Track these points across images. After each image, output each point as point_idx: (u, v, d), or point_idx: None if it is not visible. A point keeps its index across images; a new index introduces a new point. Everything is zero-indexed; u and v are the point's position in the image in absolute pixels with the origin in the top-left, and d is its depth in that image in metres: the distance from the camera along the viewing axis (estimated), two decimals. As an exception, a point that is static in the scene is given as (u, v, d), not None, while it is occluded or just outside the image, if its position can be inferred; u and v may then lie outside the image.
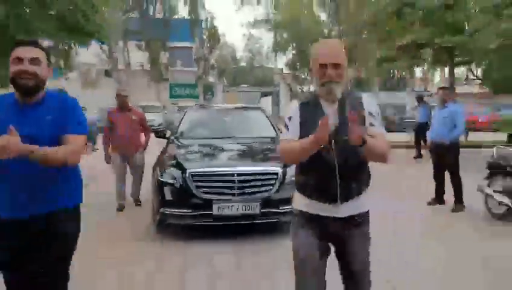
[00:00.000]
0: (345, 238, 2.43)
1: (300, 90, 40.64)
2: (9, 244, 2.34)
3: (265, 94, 35.06)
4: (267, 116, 6.82)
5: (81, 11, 7.75)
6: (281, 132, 2.47)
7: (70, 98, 2.56)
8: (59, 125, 2.36)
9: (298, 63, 33.48)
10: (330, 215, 2.38)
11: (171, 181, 4.86)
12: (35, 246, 2.33)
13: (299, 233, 2.45)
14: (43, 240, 2.34)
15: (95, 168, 8.40)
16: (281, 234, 4.86)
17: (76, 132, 2.40)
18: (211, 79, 35.52)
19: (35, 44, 2.43)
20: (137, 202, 6.68)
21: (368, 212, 2.48)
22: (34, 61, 2.34)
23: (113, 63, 27.31)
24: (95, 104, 18.32)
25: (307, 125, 2.31)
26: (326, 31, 31.37)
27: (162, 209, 4.89)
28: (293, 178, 2.71)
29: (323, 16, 32.35)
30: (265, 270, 4.04)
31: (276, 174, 4.86)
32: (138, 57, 29.12)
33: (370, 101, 2.43)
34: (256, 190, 4.81)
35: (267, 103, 31.57)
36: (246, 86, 47.80)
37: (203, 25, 31.63)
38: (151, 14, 29.45)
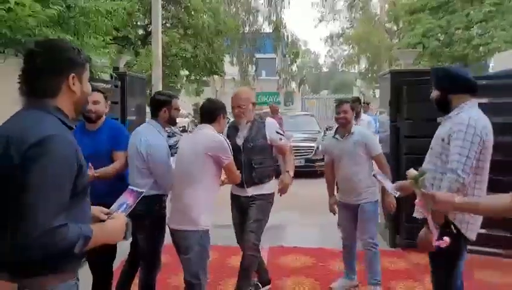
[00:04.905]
0: (247, 208, 3.49)
1: (373, 96, 42.81)
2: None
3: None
4: (314, 119, 12.14)
5: (214, 64, 13.07)
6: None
7: (118, 123, 3.92)
8: (112, 142, 3.27)
9: (370, 73, 35.90)
10: (241, 194, 3.52)
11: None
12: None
13: (232, 207, 3.68)
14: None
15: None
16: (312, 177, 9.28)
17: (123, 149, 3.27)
18: (293, 85, 39.57)
19: (98, 90, 3.28)
20: None
21: (270, 194, 3.50)
22: (95, 102, 3.17)
23: (210, 75, 32.87)
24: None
25: (229, 138, 3.31)
26: (396, 41, 33.37)
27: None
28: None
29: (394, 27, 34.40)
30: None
31: (313, 146, 9.64)
32: (230, 68, 34.40)
33: (271, 122, 3.55)
34: (304, 153, 9.65)
35: (341, 108, 34.68)
36: (326, 91, 49.81)
37: (284, 42, 35.89)
38: (241, 33, 34.43)
